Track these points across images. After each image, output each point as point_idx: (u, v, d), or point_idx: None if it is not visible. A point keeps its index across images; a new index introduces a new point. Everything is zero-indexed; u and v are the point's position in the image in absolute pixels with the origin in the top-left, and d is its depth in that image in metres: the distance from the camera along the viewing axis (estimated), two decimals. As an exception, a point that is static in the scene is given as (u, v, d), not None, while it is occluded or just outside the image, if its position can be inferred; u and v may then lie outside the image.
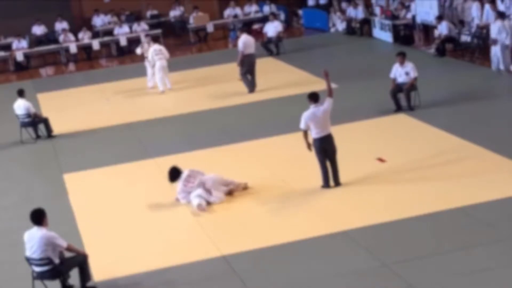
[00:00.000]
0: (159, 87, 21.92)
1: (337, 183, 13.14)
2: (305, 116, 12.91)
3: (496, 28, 19.58)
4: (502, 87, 19.20)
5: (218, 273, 10.62)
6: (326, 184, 13.10)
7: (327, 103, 12.98)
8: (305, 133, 13.06)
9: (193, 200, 12.82)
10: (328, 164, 13.04)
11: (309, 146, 13.09)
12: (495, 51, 19.64)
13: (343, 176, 13.61)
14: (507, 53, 19.58)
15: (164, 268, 10.90)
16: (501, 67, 19.54)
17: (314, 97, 13.11)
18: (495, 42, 19.54)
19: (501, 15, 19.88)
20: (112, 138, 18.21)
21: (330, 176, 13.11)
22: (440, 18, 23.34)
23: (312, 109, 12.93)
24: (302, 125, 13.00)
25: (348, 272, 10.21)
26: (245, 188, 13.42)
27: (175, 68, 23.39)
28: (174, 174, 13.35)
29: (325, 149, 12.95)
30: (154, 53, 21.93)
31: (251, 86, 20.87)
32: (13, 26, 30.49)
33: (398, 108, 17.31)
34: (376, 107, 17.69)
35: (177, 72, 23.88)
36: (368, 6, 28.80)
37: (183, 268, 10.88)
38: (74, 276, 10.40)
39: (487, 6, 22.60)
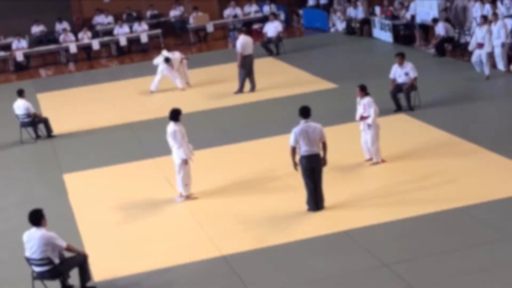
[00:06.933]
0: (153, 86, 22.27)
1: (320, 207, 12.24)
2: (296, 131, 12.06)
3: (481, 33, 19.53)
4: (502, 87, 19.20)
5: (218, 273, 10.62)
6: (312, 207, 12.23)
7: (322, 130, 12.18)
8: (294, 150, 12.17)
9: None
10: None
11: (295, 165, 12.23)
12: (479, 55, 19.56)
13: (343, 176, 13.63)
14: (497, 55, 19.60)
15: (164, 268, 10.90)
16: (486, 72, 19.46)
17: (304, 112, 12.18)
18: (481, 46, 19.47)
19: (486, 19, 19.85)
20: (112, 138, 18.21)
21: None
22: (435, 20, 23.39)
23: (302, 124, 12.10)
24: (292, 142, 12.11)
25: (348, 272, 10.21)
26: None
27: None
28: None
29: (313, 168, 12.12)
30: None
31: (244, 87, 20.89)
32: (13, 26, 30.48)
33: (398, 108, 17.32)
34: (376, 107, 17.69)
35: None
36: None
37: (183, 268, 10.88)
38: (74, 276, 10.40)
39: (487, 6, 22.63)
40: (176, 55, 22.28)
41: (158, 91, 22.13)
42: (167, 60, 21.91)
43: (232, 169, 14.82)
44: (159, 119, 18.48)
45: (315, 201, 12.24)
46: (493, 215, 11.43)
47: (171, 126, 13.21)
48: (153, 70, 24.94)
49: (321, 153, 12.25)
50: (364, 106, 13.94)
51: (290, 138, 12.20)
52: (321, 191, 12.27)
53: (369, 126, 13.91)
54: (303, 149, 12.11)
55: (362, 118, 14.02)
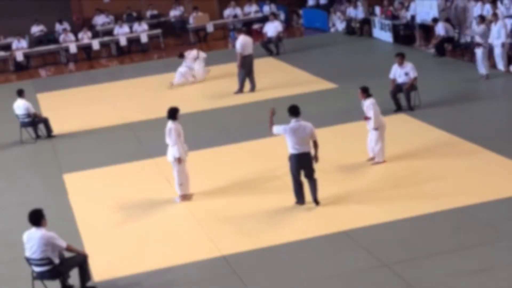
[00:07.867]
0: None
1: (316, 202, 12.36)
2: (286, 128, 12.09)
3: (479, 33, 19.52)
4: (501, 87, 19.20)
5: (218, 273, 10.62)
6: (299, 201, 12.45)
7: (313, 129, 12.22)
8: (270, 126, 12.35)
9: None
10: (305, 181, 12.34)
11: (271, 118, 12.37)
12: (479, 54, 19.59)
13: (343, 176, 13.63)
14: (493, 55, 19.60)
15: (164, 268, 10.90)
16: (483, 71, 19.47)
17: (294, 111, 12.17)
18: (478, 45, 19.48)
19: (483, 19, 19.86)
20: (112, 138, 18.21)
21: (307, 193, 12.46)
22: (435, 20, 23.41)
23: (293, 123, 12.10)
24: (275, 130, 12.27)
25: (348, 272, 10.22)
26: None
27: (175, 68, 23.35)
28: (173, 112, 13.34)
29: (302, 166, 12.19)
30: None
31: (244, 87, 20.91)
32: (13, 26, 30.49)
33: (398, 108, 17.32)
34: (376, 107, 17.68)
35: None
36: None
37: (183, 268, 10.88)
38: (74, 276, 10.41)
39: (487, 6, 22.64)
40: (192, 53, 22.96)
41: (159, 91, 22.13)
42: (181, 56, 22.72)
43: (232, 169, 14.82)
44: (159, 119, 18.46)
45: (302, 194, 12.40)
46: (493, 215, 11.43)
47: (169, 125, 13.25)
48: (152, 70, 25.01)
49: (312, 151, 12.33)
50: (367, 107, 13.99)
51: (277, 127, 12.24)
52: (315, 186, 12.33)
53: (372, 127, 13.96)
54: (291, 147, 12.18)
55: (366, 118, 14.05)
